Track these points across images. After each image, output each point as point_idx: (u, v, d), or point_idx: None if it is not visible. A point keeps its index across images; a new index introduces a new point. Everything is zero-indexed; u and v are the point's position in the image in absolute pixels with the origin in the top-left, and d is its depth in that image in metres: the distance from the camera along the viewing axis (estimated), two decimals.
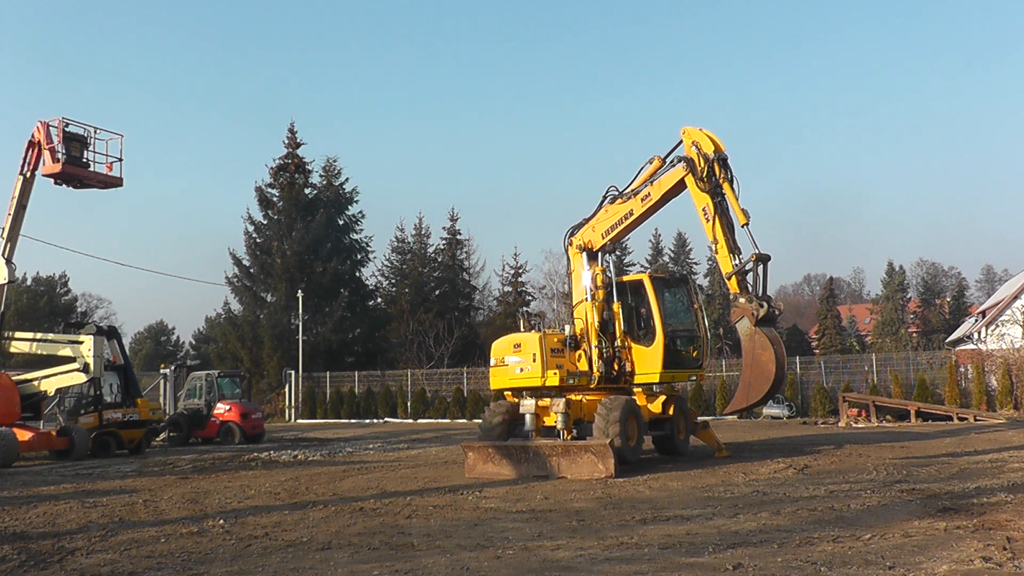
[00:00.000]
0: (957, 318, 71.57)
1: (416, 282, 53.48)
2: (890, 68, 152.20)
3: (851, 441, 19.02)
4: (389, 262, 56.08)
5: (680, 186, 15.07)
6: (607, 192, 16.18)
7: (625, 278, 16.52)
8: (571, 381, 14.94)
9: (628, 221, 15.86)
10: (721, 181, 14.44)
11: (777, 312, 14.41)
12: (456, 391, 38.31)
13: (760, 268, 14.18)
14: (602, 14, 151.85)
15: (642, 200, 15.62)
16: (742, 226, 14.30)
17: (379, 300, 53.01)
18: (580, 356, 15.67)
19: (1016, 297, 44.53)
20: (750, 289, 14.21)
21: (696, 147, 14.71)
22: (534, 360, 15.06)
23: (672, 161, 15.23)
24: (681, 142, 15.14)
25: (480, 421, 16.51)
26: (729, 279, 14.47)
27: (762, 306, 13.92)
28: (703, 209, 14.56)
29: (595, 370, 15.33)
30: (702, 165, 14.56)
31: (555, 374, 14.85)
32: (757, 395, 14.26)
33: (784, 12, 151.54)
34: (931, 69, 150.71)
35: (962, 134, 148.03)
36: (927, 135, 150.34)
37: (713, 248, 14.62)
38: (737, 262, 14.31)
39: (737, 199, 14.38)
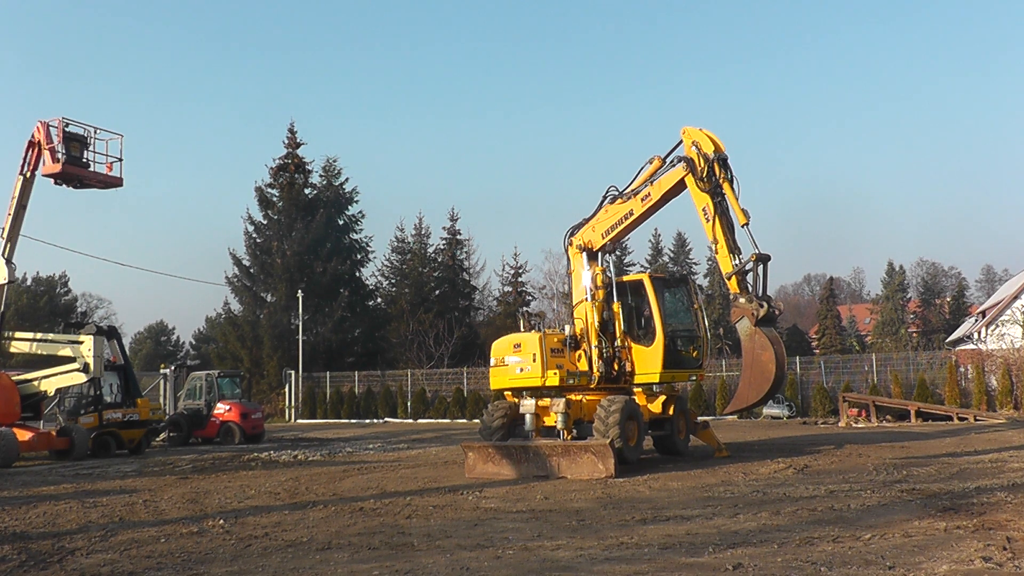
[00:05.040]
0: (957, 318, 71.50)
1: (416, 282, 53.43)
2: (890, 68, 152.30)
3: (851, 441, 19.02)
4: (389, 262, 56.07)
5: (680, 186, 15.08)
6: (607, 192, 16.20)
7: (625, 278, 16.52)
8: (571, 381, 14.94)
9: (628, 221, 15.86)
10: (721, 181, 14.45)
11: (777, 312, 14.42)
12: (456, 391, 38.30)
13: (760, 268, 14.19)
14: (602, 14, 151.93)
15: (642, 200, 15.62)
16: (742, 226, 14.30)
17: (379, 300, 53.01)
18: (580, 356, 15.67)
19: (1016, 297, 44.55)
20: (750, 289, 14.22)
21: (696, 147, 14.72)
22: (534, 360, 15.06)
23: (672, 161, 15.23)
24: (681, 142, 15.15)
25: (480, 421, 16.52)
26: (729, 279, 14.47)
27: (762, 306, 13.93)
28: (703, 209, 14.57)
29: (595, 370, 15.33)
30: (702, 165, 14.56)
31: (555, 374, 14.85)
32: (757, 395, 14.27)
33: (785, 12, 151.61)
34: (931, 69, 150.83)
35: (962, 134, 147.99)
36: (927, 134, 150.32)
37: (713, 248, 14.62)
38: (737, 262, 14.31)
39: (737, 199, 14.39)
